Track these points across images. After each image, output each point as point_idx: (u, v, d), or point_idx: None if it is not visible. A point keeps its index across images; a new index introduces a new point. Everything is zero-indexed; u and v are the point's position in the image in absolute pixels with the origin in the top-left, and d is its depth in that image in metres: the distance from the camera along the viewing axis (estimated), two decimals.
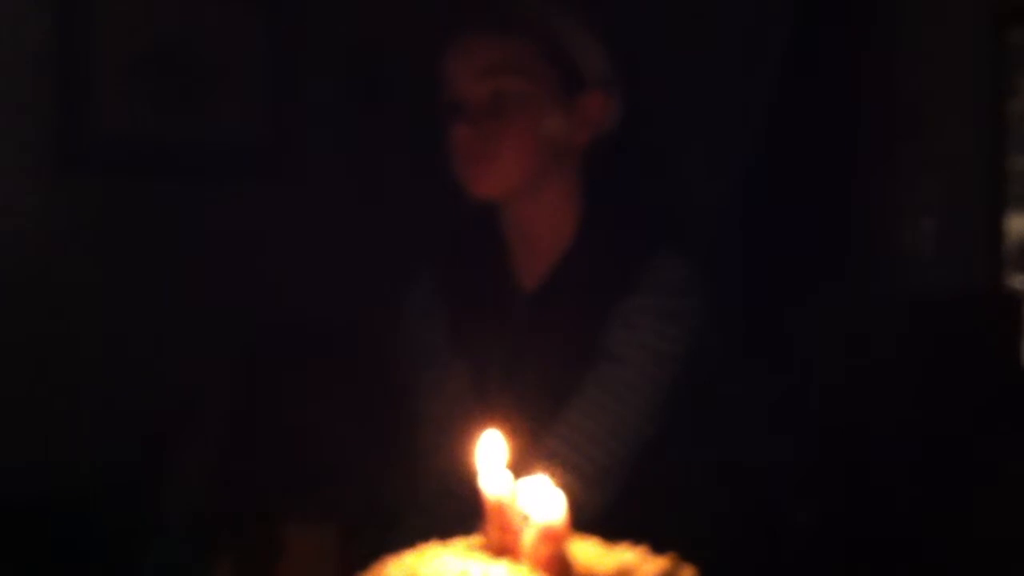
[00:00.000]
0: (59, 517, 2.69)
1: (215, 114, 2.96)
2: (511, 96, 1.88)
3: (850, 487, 2.92)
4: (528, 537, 1.16)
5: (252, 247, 2.96)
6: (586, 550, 1.19)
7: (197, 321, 2.88)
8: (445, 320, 2.05)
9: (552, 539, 1.14)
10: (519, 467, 1.20)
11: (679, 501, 2.01)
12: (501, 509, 1.18)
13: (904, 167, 2.92)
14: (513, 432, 1.24)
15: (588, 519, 1.32)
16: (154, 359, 2.87)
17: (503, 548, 1.18)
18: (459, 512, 1.31)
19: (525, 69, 1.89)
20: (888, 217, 2.93)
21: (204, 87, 2.94)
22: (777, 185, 3.03)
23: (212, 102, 2.96)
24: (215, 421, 2.27)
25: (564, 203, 1.97)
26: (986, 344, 2.75)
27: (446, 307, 2.05)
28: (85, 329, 2.86)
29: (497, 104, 1.87)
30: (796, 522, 2.87)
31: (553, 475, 1.18)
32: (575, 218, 1.97)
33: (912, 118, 2.93)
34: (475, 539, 1.22)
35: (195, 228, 2.94)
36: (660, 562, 1.18)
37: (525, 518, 1.16)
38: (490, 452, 1.21)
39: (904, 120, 2.93)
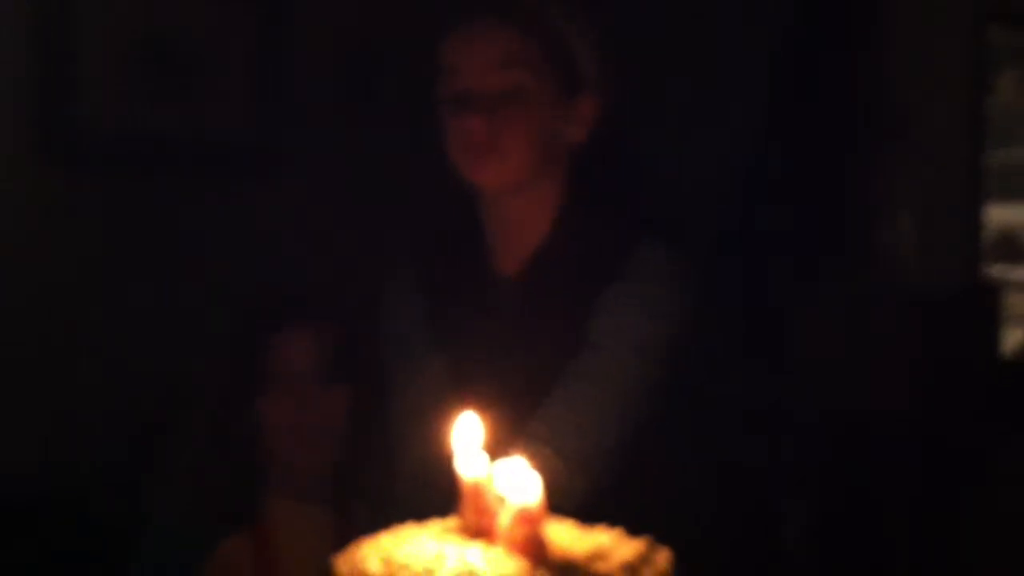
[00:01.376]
0: (59, 517, 2.69)
1: (210, 110, 2.95)
2: (521, 90, 1.88)
3: (850, 487, 2.93)
4: (504, 519, 1.16)
5: (250, 244, 2.95)
6: (562, 532, 1.19)
7: (195, 318, 2.87)
8: (423, 311, 2.05)
9: (528, 521, 1.15)
10: (495, 450, 1.20)
11: (678, 501, 2.01)
12: (477, 491, 1.19)
13: (888, 161, 2.93)
14: (491, 416, 1.24)
15: (573, 507, 1.32)
16: (153, 357, 2.86)
17: (479, 530, 1.19)
18: (435, 501, 1.30)
19: (533, 65, 1.90)
20: (874, 210, 2.93)
21: (199, 82, 2.94)
22: (774, 183, 3.03)
23: (206, 98, 2.95)
24: (211, 416, 2.28)
25: (551, 194, 1.98)
26: (966, 334, 2.75)
27: (424, 298, 2.06)
28: (83, 328, 2.85)
29: (508, 97, 1.88)
30: (796, 522, 2.88)
31: (536, 462, 1.18)
32: (559, 208, 1.98)
33: (897, 114, 2.94)
34: (451, 521, 1.22)
35: (192, 225, 2.93)
36: (635, 544, 1.18)
37: (501, 500, 1.16)
38: (466, 435, 1.21)
39: (890, 116, 2.94)
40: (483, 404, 1.28)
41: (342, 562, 1.18)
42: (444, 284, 2.04)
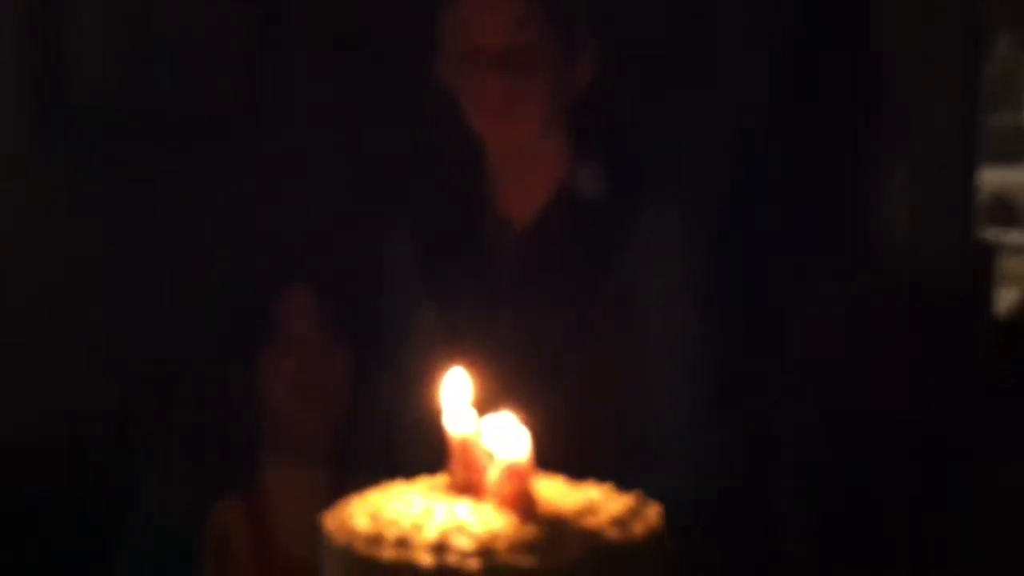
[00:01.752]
0: (58, 516, 2.69)
1: (203, 78, 2.95)
2: (535, 48, 1.94)
3: (850, 487, 2.92)
4: (493, 475, 1.15)
5: (250, 241, 2.92)
6: (551, 488, 1.19)
7: (193, 314, 2.85)
8: (420, 266, 2.07)
9: (517, 477, 1.14)
10: (485, 405, 1.20)
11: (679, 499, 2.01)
12: (466, 447, 1.18)
13: (883, 124, 2.93)
14: (481, 372, 1.23)
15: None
16: (153, 354, 2.85)
17: (468, 486, 1.18)
18: (426, 458, 1.30)
19: (540, 25, 1.95)
20: (870, 173, 2.94)
21: (189, 51, 2.93)
22: (774, 181, 3.03)
23: (198, 65, 2.94)
24: (211, 377, 2.29)
25: (557, 155, 2.04)
26: (961, 295, 2.76)
27: (423, 251, 2.08)
28: (81, 325, 2.84)
29: (524, 55, 1.93)
30: (796, 522, 2.87)
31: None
32: (566, 166, 2.04)
33: (896, 96, 2.95)
34: (440, 478, 1.21)
35: (191, 221, 2.92)
36: (625, 500, 1.17)
37: (490, 456, 1.16)
38: (455, 391, 1.20)
39: (889, 102, 2.95)
40: (479, 359, 1.28)
41: (331, 519, 1.17)
42: (445, 232, 2.06)
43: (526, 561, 1.08)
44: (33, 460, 2.72)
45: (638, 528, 1.13)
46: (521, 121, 1.96)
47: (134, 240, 2.87)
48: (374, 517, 1.15)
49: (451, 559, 1.09)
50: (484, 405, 1.19)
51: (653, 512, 1.16)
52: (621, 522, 1.13)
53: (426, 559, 1.09)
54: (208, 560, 2.15)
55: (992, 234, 3.18)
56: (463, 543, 1.10)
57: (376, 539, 1.12)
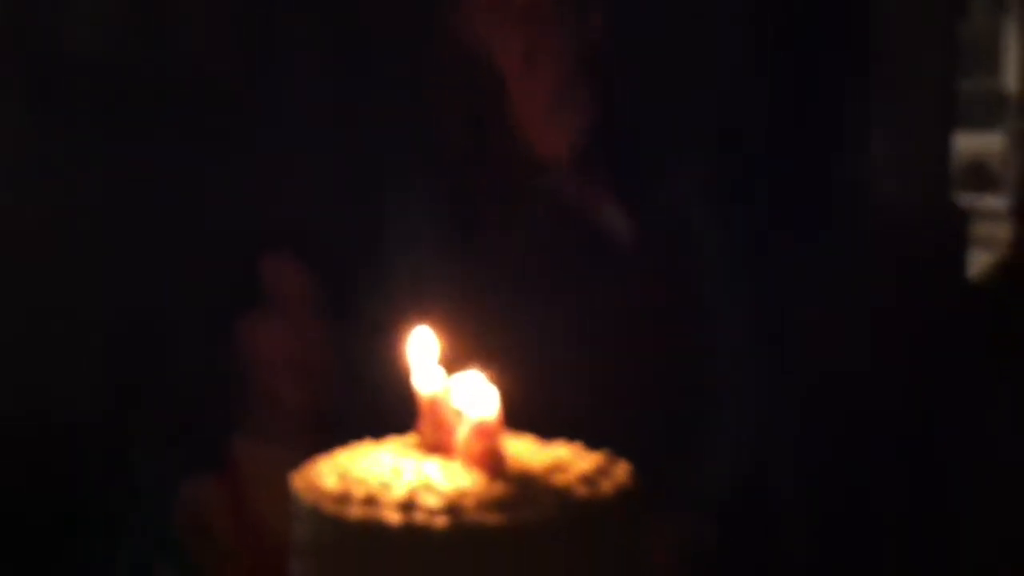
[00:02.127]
0: (56, 517, 2.69)
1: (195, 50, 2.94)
2: (556, 6, 1.99)
3: (850, 487, 2.90)
4: (462, 433, 1.14)
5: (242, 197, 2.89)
6: (520, 446, 1.18)
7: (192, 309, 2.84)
8: (439, 221, 2.08)
9: (485, 435, 1.13)
10: (452, 363, 1.19)
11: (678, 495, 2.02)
12: (435, 406, 1.17)
13: (859, 90, 2.92)
14: (449, 330, 1.22)
15: None
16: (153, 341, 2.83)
17: (437, 445, 1.17)
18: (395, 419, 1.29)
19: None
20: (846, 140, 2.93)
21: (181, 22, 2.93)
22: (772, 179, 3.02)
23: (189, 36, 2.94)
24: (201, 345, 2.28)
25: (578, 98, 2.05)
26: (933, 259, 2.75)
27: (444, 205, 2.09)
28: (83, 325, 2.84)
29: (547, 8, 1.99)
30: (796, 522, 2.85)
31: None
32: (588, 111, 2.06)
33: (870, 40, 2.93)
34: (409, 438, 1.21)
35: (177, 180, 2.89)
36: (594, 458, 1.16)
37: (458, 415, 1.15)
38: (423, 349, 1.20)
39: (864, 43, 2.94)
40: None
41: (299, 479, 1.17)
42: (474, 182, 2.08)
43: (494, 519, 1.08)
44: (29, 456, 2.71)
45: (607, 486, 1.12)
46: (544, 72, 1.99)
47: (123, 221, 2.84)
48: (342, 476, 1.14)
49: (419, 517, 1.08)
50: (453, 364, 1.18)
51: (622, 470, 1.15)
52: (590, 480, 1.12)
53: (394, 517, 1.08)
54: (189, 537, 2.14)
55: (967, 199, 3.18)
56: (431, 501, 1.09)
57: (344, 498, 1.11)
